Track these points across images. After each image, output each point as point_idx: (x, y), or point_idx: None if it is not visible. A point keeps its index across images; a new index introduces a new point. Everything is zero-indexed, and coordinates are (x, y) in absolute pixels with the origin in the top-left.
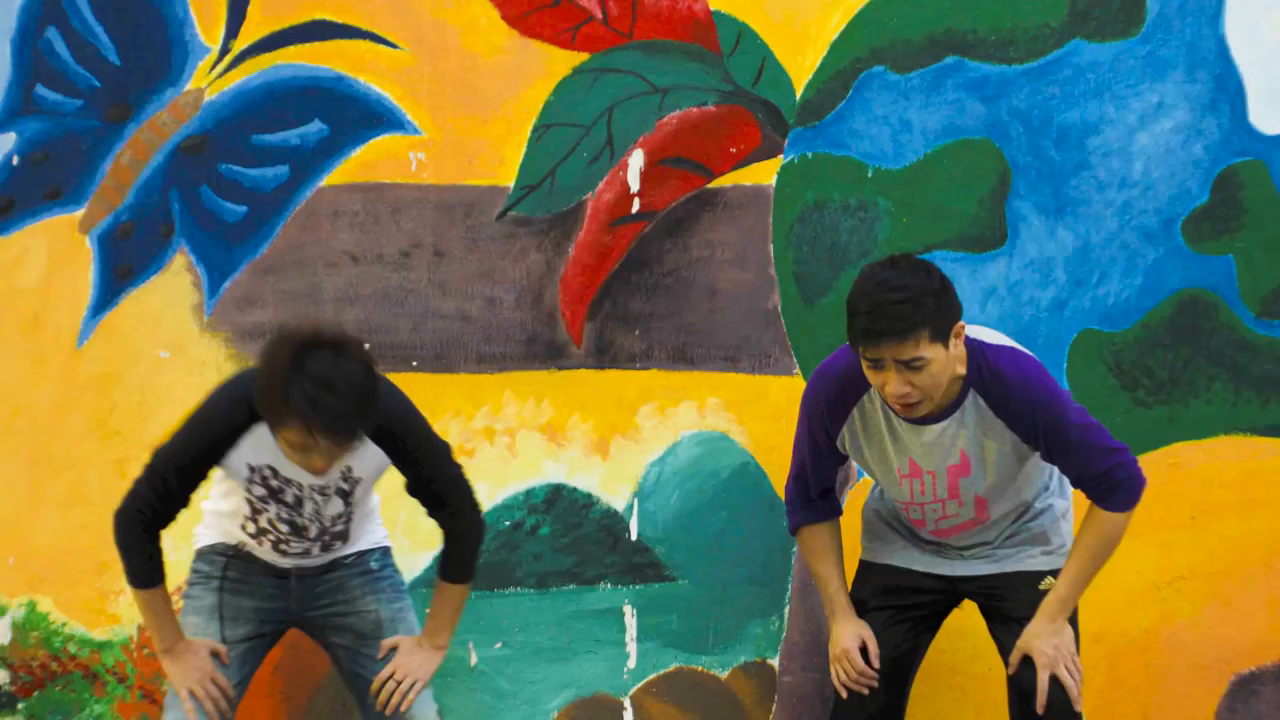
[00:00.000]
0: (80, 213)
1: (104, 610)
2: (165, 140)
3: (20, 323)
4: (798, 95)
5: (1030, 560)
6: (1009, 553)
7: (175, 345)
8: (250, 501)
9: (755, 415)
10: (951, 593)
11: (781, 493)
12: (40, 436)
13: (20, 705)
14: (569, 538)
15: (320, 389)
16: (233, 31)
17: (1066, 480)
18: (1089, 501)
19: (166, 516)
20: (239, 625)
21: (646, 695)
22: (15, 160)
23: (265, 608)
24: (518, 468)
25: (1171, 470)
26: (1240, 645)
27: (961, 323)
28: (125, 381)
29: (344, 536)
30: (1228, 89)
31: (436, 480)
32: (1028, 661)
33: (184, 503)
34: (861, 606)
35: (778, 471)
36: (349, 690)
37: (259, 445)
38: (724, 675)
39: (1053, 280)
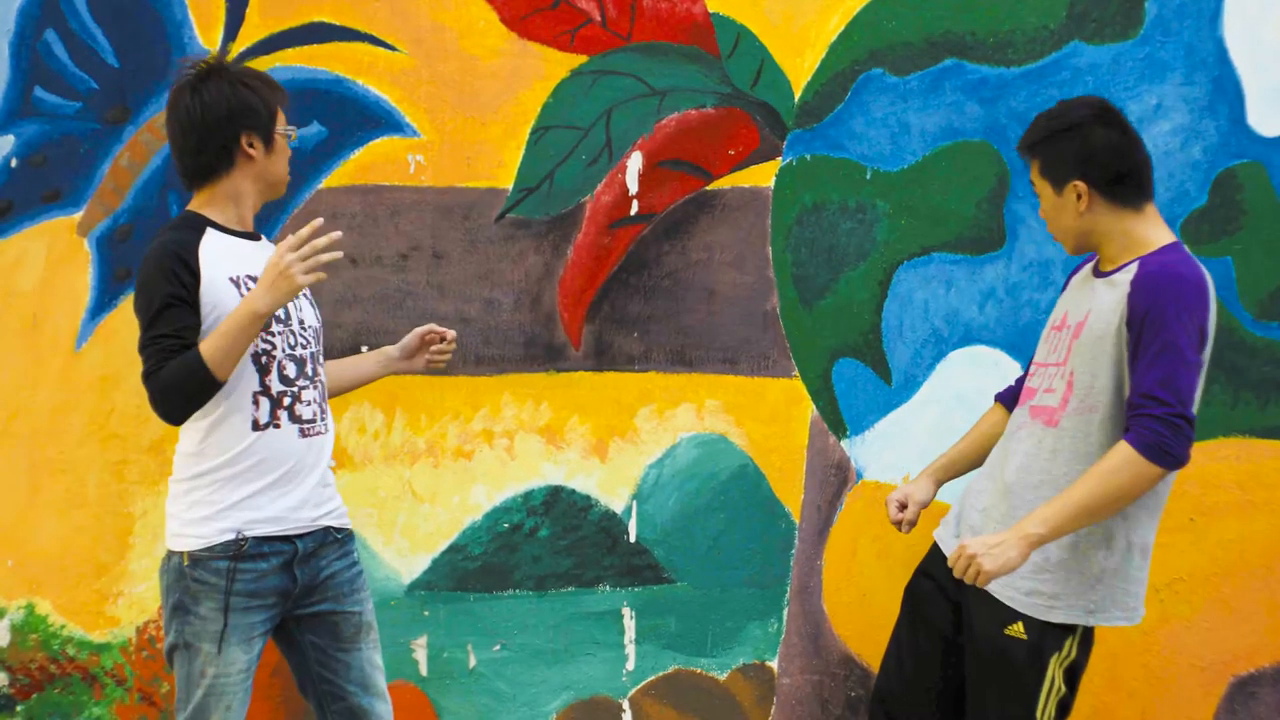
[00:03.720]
0: (79, 215)
1: (103, 613)
2: (164, 143)
3: (19, 325)
4: (796, 97)
5: (1013, 590)
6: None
7: None
8: (256, 356)
9: (754, 417)
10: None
11: (780, 495)
12: (39, 439)
13: (19, 707)
14: (568, 540)
15: (256, 71)
16: (231, 34)
17: (1133, 549)
18: None
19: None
20: (253, 645)
21: (645, 697)
22: (14, 163)
23: (271, 616)
24: (516, 470)
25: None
26: (1239, 647)
27: (1081, 184)
28: (124, 384)
29: (325, 396)
30: (1226, 91)
31: None
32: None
33: (193, 341)
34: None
35: (776, 473)
36: (305, 694)
37: (220, 257)
38: (722, 677)
39: (1051, 282)
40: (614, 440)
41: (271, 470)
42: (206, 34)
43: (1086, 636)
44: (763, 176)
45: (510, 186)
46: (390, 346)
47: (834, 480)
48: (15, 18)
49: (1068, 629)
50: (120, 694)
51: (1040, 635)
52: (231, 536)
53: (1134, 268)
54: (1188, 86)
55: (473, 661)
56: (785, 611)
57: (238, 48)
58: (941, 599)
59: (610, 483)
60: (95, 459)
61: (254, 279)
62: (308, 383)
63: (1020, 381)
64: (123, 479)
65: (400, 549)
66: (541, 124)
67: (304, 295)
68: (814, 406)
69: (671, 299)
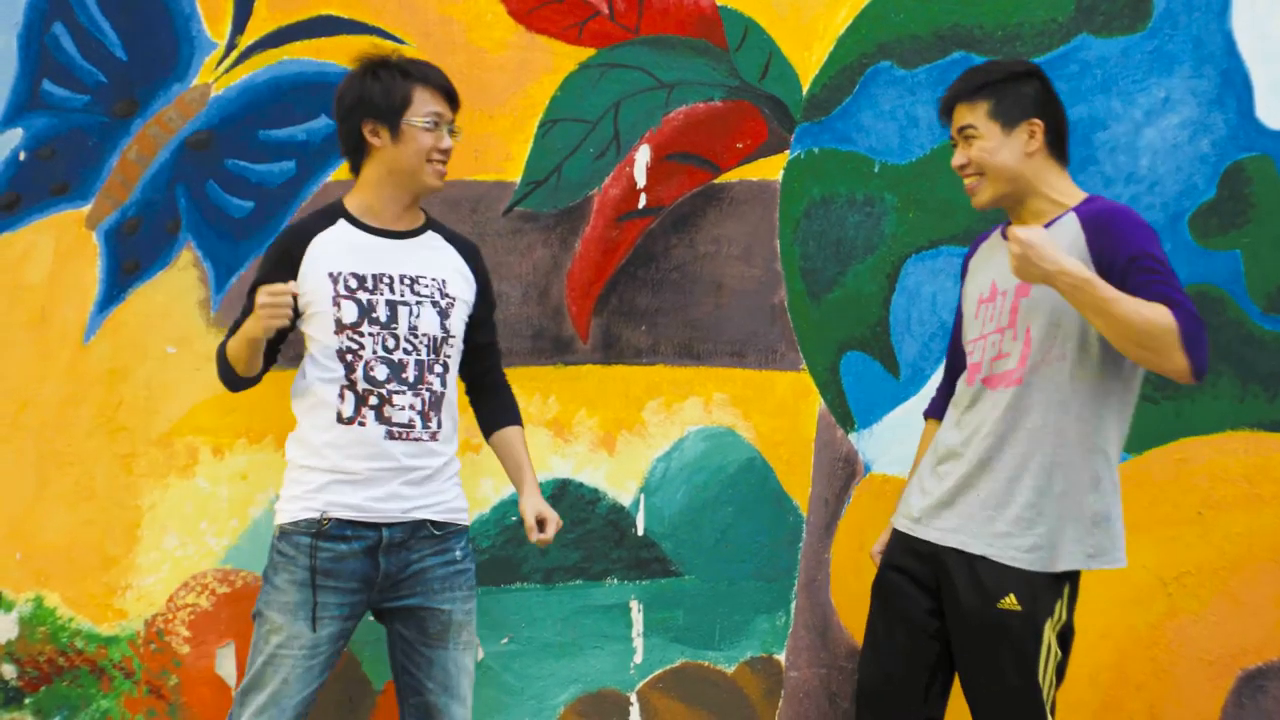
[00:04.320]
0: (87, 208)
1: (111, 605)
2: (172, 136)
3: (27, 318)
4: (804, 90)
5: (1013, 551)
6: (996, 525)
7: (182, 340)
8: (342, 353)
9: (761, 410)
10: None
11: (788, 488)
12: (47, 432)
13: (27, 700)
14: (575, 533)
15: (406, 61)
16: (239, 27)
17: (1116, 490)
18: None
19: None
20: (322, 625)
21: (653, 690)
22: (22, 156)
23: (350, 601)
24: None
25: (1178, 466)
26: (1247, 641)
27: (1039, 123)
28: (132, 377)
29: (439, 405)
30: (1234, 84)
31: (492, 318)
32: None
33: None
34: (884, 568)
35: (784, 466)
36: (395, 675)
37: (330, 251)
38: (730, 670)
39: None
40: (622, 433)
41: (354, 464)
42: (215, 26)
43: (1071, 599)
44: (770, 170)
45: (518, 179)
46: (528, 502)
47: (841, 473)
48: (24, 11)
49: (1056, 593)
50: (128, 687)
51: (1033, 603)
52: (315, 515)
53: (1070, 218)
54: (1196, 79)
55: (480, 655)
56: (793, 605)
57: (246, 40)
58: (914, 589)
59: (618, 476)
60: (103, 452)
61: (358, 276)
62: (405, 388)
63: (942, 394)
64: (131, 472)
65: None
66: (549, 117)
67: (432, 304)
68: (822, 399)
69: (679, 292)
